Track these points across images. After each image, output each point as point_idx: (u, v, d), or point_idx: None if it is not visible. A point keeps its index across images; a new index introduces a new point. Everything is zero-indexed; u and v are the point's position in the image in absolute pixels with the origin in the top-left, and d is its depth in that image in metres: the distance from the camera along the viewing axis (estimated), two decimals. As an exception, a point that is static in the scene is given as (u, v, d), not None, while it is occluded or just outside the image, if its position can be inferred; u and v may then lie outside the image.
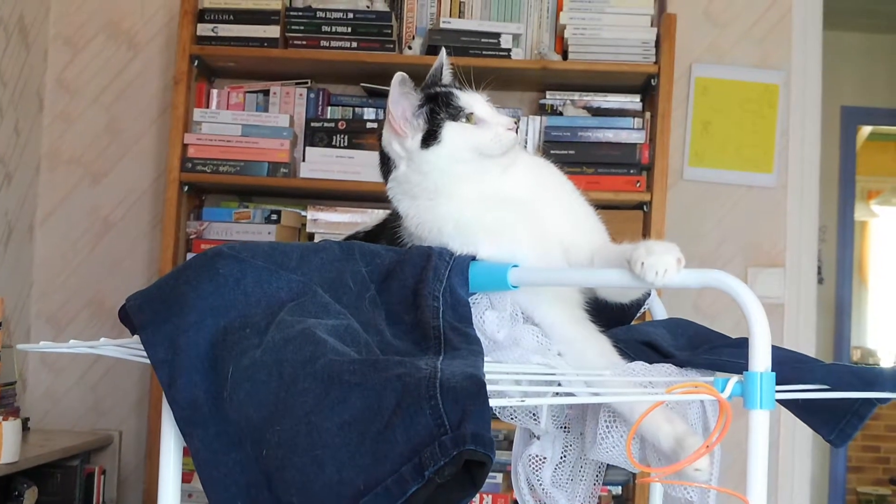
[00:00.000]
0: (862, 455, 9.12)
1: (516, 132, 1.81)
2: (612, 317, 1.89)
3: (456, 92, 1.85)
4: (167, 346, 1.51)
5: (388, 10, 4.24)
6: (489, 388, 1.35)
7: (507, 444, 4.02)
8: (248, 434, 1.42)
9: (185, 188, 4.17)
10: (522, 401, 1.52)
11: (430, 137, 1.80)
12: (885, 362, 9.51)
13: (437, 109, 1.81)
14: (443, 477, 1.28)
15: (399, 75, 1.80)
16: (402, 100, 1.82)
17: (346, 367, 1.39)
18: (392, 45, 4.21)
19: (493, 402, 1.36)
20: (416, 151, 1.81)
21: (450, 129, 1.80)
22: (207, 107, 4.30)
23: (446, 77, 1.93)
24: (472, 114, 1.81)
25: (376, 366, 1.39)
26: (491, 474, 3.96)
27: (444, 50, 1.98)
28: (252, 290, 1.55)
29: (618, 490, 4.16)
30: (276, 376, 1.42)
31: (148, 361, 1.53)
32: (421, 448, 1.29)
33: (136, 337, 1.57)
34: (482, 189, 1.79)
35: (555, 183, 1.91)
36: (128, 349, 1.68)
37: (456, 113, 1.81)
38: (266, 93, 4.35)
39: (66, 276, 4.54)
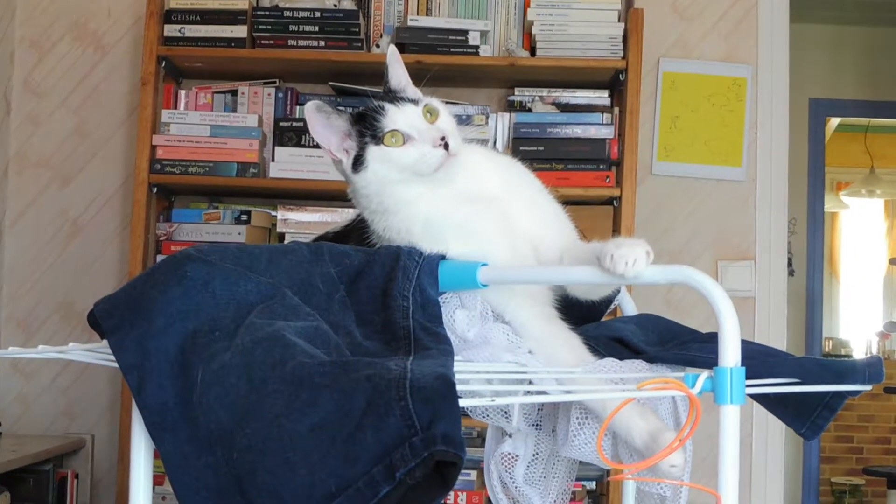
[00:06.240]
0: (835, 446, 9.16)
1: (446, 147, 1.74)
2: (582, 314, 1.89)
3: (386, 107, 1.79)
4: (136, 350, 1.49)
5: (355, 8, 4.24)
6: (460, 387, 1.35)
7: (481, 441, 4.02)
8: (219, 438, 1.41)
9: (154, 190, 4.15)
10: (493, 400, 1.52)
11: (357, 162, 1.78)
12: (857, 353, 9.56)
13: (364, 131, 1.78)
14: (414, 478, 1.28)
15: (311, 105, 1.78)
16: (325, 127, 1.80)
17: (316, 369, 1.38)
18: (360, 44, 4.20)
19: (463, 402, 1.36)
20: (351, 176, 1.81)
21: (372, 154, 1.77)
22: (175, 108, 4.27)
23: (393, 80, 1.88)
24: (395, 131, 1.76)
25: (346, 367, 1.39)
26: (464, 472, 3.97)
27: (391, 49, 1.91)
28: (220, 293, 1.54)
29: (592, 485, 4.17)
30: (245, 379, 1.41)
31: (118, 365, 1.52)
32: (391, 449, 1.29)
33: (106, 341, 1.56)
34: (442, 192, 1.77)
35: (523, 181, 1.91)
36: (97, 354, 1.67)
37: (379, 134, 1.76)
38: (234, 93, 4.33)
39: (36, 279, 4.52)
